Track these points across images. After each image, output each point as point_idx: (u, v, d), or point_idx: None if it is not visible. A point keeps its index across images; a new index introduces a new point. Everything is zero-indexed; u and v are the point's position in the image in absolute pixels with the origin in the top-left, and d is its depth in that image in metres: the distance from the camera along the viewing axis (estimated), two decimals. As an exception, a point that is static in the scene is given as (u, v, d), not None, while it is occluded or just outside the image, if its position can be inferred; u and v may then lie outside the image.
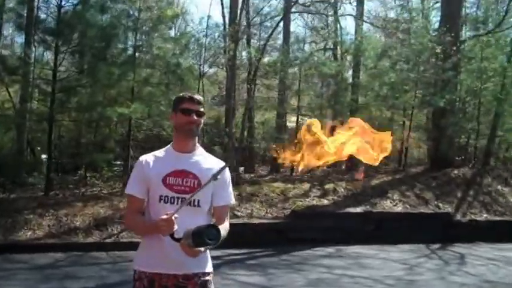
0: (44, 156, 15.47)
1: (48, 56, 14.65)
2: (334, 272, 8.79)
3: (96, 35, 12.10)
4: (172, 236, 2.77)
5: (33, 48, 13.36)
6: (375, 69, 16.38)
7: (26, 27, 12.97)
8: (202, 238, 2.66)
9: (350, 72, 18.88)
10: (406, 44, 17.05)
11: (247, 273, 8.68)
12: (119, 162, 15.65)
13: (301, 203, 12.42)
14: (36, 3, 13.07)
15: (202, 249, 2.76)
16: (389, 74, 16.40)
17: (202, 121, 3.07)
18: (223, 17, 17.60)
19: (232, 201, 3.14)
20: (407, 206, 13.00)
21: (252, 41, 18.90)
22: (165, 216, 2.73)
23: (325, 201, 12.72)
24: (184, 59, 14.77)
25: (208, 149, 13.85)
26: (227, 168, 3.00)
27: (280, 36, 18.51)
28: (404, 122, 17.16)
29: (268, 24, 18.65)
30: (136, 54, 14.00)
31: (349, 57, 18.61)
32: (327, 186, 13.47)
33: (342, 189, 13.35)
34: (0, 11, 14.19)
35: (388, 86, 16.36)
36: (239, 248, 9.94)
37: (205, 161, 3.08)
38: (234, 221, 11.33)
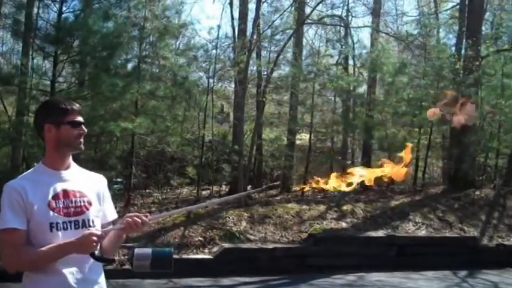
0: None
1: (47, 65, 13.82)
2: (363, 306, 7.90)
3: (98, 43, 11.28)
4: (93, 254, 2.52)
5: (31, 57, 12.55)
6: (392, 84, 15.59)
7: (24, 35, 12.16)
8: (170, 262, 2.58)
9: (364, 87, 18.11)
10: (424, 59, 16.33)
11: (266, 306, 7.78)
12: (120, 180, 14.86)
13: (318, 225, 11.51)
14: (35, 10, 12.25)
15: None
16: (406, 90, 15.64)
17: None
18: (233, 28, 16.83)
19: (116, 214, 2.95)
20: (431, 230, 12.14)
21: (262, 53, 18.18)
22: (96, 231, 2.52)
23: (343, 224, 11.81)
24: (192, 71, 14.07)
25: (216, 167, 12.95)
26: (106, 181, 2.90)
27: (291, 49, 17.77)
28: (419, 140, 16.33)
29: (278, 37, 17.94)
30: (141, 65, 13.30)
31: (363, 72, 17.88)
32: (344, 208, 12.56)
33: (360, 211, 12.44)
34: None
35: (405, 102, 15.59)
36: (252, 275, 9.09)
37: (85, 176, 2.85)
38: (247, 245, 10.44)
